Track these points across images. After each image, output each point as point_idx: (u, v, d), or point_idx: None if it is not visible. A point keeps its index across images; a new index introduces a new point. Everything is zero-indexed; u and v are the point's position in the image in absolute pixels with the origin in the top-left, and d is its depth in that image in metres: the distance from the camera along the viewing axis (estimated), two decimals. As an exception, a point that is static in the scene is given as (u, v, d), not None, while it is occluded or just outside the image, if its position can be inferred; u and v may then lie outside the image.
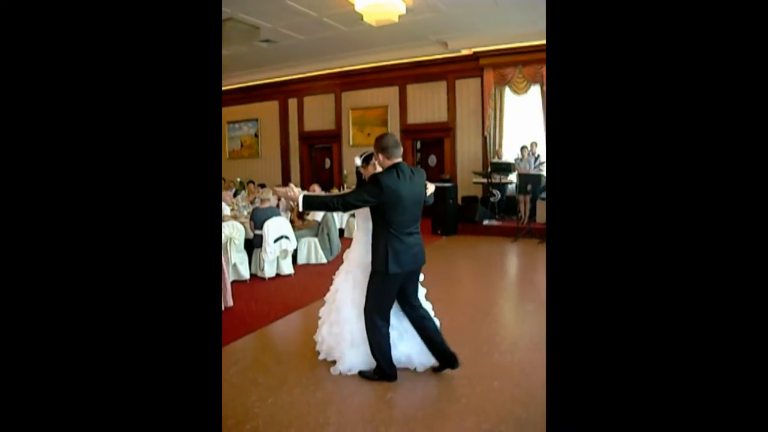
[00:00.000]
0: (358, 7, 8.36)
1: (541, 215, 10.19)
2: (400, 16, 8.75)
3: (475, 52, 11.45)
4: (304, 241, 7.70)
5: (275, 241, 6.70)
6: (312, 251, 7.72)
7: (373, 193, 3.24)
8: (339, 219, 10.00)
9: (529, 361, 3.91)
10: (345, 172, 13.13)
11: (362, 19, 8.82)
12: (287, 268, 6.99)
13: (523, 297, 6.04)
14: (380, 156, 3.35)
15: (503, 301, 5.76)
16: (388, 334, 3.52)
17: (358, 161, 3.74)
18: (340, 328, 3.72)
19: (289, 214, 8.26)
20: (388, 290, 3.45)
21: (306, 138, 14.52)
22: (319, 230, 7.85)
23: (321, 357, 3.89)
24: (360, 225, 3.73)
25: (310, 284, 6.47)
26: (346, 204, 3.35)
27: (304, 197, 3.37)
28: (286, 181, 14.49)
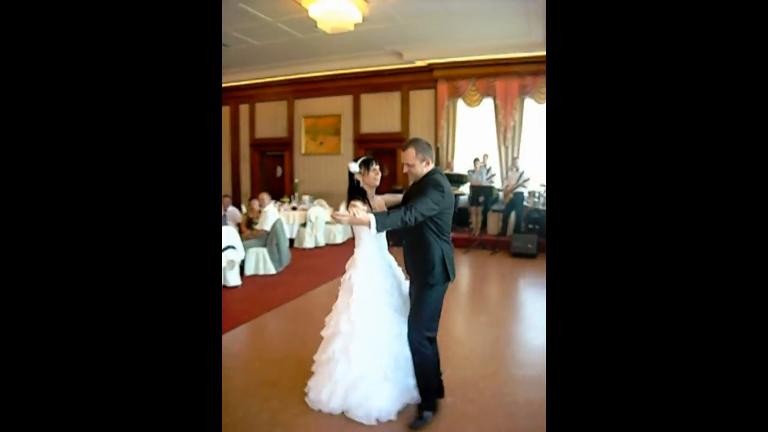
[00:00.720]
0: (313, 13, 8.24)
1: (492, 227, 10.29)
2: (355, 25, 8.67)
3: (429, 64, 11.50)
4: (252, 251, 7.48)
5: (221, 251, 6.47)
6: (260, 262, 7.50)
7: (437, 200, 2.95)
8: (289, 229, 9.80)
9: (482, 376, 3.84)
10: (296, 180, 12.92)
11: (317, 26, 8.69)
12: (234, 280, 6.76)
13: (476, 309, 6.00)
14: (422, 159, 3.08)
15: (455, 313, 5.69)
16: (437, 354, 3.24)
17: (354, 167, 3.29)
18: (369, 363, 3.15)
19: (237, 222, 8.03)
20: (441, 304, 3.14)
21: (257, 145, 14.28)
22: (268, 240, 7.64)
23: (329, 409, 3.20)
24: (364, 242, 3.28)
25: (259, 296, 6.27)
26: (418, 217, 2.89)
27: (377, 219, 2.88)
28: (235, 189, 14.17)
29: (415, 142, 3.10)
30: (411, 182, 3.19)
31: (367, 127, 12.67)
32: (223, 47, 10.87)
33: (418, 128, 12.05)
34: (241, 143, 14.53)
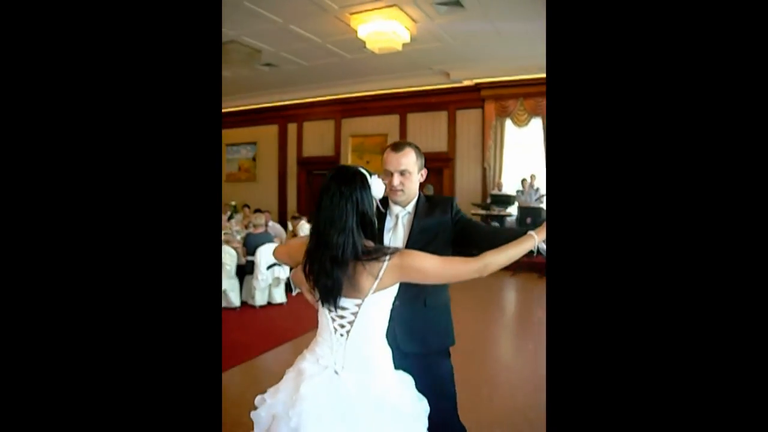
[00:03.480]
0: (362, 34, 8.32)
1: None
2: (403, 45, 8.72)
3: (476, 83, 11.41)
4: (299, 268, 7.45)
5: (268, 268, 6.48)
6: (306, 279, 7.46)
7: None
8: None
9: (532, 406, 3.68)
10: None
11: (365, 46, 8.77)
12: (279, 297, 6.77)
13: (524, 335, 5.82)
14: (420, 169, 2.26)
15: (503, 339, 5.54)
16: None
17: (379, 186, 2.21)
18: None
19: (284, 240, 8.06)
20: None
21: (304, 163, 14.38)
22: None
23: None
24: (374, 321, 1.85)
25: (303, 314, 6.24)
26: None
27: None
28: (282, 206, 14.32)
29: (411, 144, 2.26)
30: (396, 198, 2.20)
31: None
32: (272, 67, 11.16)
33: (465, 148, 11.94)
34: (289, 161, 14.67)
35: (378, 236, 2.11)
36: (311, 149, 14.24)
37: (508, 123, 11.47)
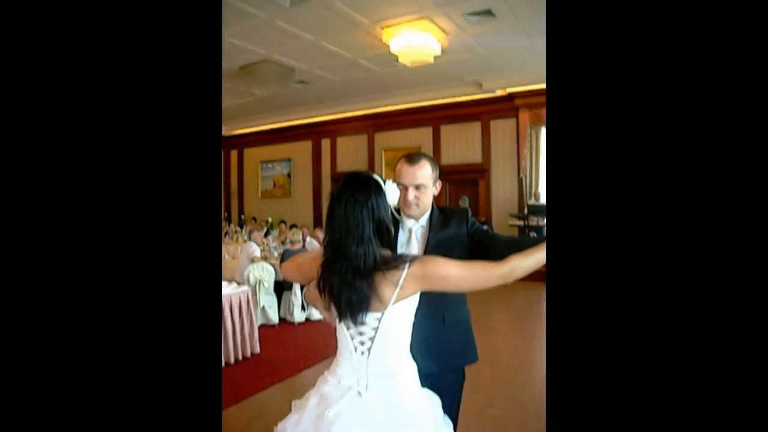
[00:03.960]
0: (394, 48, 8.33)
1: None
2: (435, 57, 8.68)
3: (509, 93, 11.29)
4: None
5: (305, 284, 6.46)
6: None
7: None
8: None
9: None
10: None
11: (397, 60, 8.76)
12: (318, 313, 6.75)
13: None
14: (435, 181, 2.15)
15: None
16: None
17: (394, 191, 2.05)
18: None
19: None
20: None
21: (338, 179, 14.18)
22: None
23: None
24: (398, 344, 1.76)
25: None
26: None
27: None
28: (317, 222, 14.39)
29: (426, 155, 2.14)
30: (410, 212, 2.09)
31: (447, 158, 12.52)
32: (304, 84, 11.21)
33: (500, 158, 11.81)
34: (323, 176, 14.77)
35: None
36: (345, 164, 14.29)
37: (544, 131, 11.30)
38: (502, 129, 11.80)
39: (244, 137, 16.23)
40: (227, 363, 5.15)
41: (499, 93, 11.39)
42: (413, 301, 1.67)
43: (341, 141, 14.36)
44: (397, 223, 2.09)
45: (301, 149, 15.10)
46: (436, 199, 2.17)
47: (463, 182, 12.36)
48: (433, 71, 10.13)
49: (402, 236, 2.16)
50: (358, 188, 1.61)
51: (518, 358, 4.85)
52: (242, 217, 15.15)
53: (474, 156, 12.19)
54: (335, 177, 14.40)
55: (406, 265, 1.59)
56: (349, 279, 1.58)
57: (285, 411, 1.72)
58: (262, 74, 10.03)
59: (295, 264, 1.94)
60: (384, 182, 1.70)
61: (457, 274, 1.62)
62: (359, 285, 1.58)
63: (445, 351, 2.09)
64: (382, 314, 1.62)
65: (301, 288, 6.34)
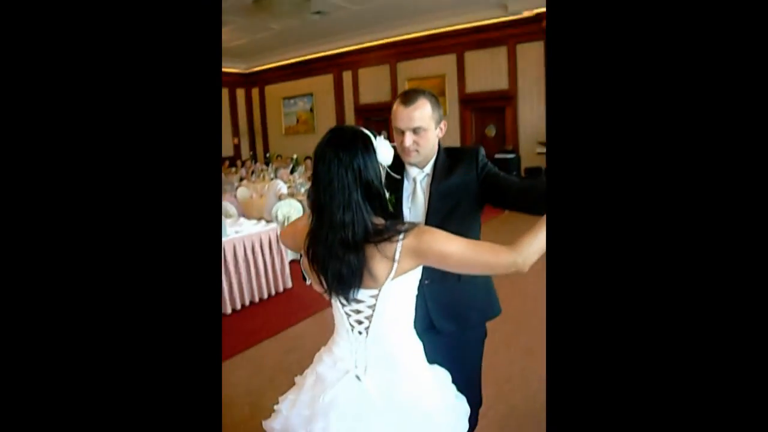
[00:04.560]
0: (413, -30, 7.96)
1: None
2: (457, -22, 8.29)
3: (537, 14, 10.74)
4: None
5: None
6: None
7: None
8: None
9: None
10: (394, 144, 12.70)
11: None
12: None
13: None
14: (438, 122, 1.88)
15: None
16: None
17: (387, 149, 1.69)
18: None
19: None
20: None
21: (362, 111, 14.23)
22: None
23: None
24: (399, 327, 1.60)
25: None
26: None
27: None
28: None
29: (425, 93, 1.85)
30: (410, 160, 1.86)
31: (473, 86, 12.14)
32: (321, 15, 10.85)
33: (527, 84, 11.41)
34: (346, 110, 14.59)
35: (396, 207, 1.85)
36: (368, 96, 14.07)
37: (573, 53, 10.82)
38: (529, 53, 11.31)
39: (264, 74, 16.04)
40: (261, 299, 5.26)
41: (526, 14, 10.85)
42: (414, 275, 1.49)
43: (363, 72, 14.05)
44: (398, 182, 1.88)
45: (323, 83, 14.85)
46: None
47: (489, 110, 12.06)
48: (455, -6, 9.64)
49: (407, 188, 1.94)
50: (342, 146, 1.42)
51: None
52: (267, 155, 15.12)
53: (500, 82, 11.79)
54: (358, 110, 14.24)
55: (401, 236, 1.40)
56: (336, 251, 1.41)
57: (318, 344, 1.69)
58: (277, 7, 9.77)
59: (292, 228, 1.72)
60: (375, 137, 1.50)
61: (458, 253, 1.40)
62: (348, 258, 1.40)
63: (462, 309, 1.94)
64: (379, 291, 1.45)
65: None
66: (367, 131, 1.49)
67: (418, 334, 1.59)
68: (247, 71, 16.05)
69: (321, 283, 1.48)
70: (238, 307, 5.06)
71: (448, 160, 1.92)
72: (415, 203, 1.92)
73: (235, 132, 16.54)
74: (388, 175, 1.54)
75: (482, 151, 1.95)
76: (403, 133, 1.80)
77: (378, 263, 1.41)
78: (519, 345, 3.83)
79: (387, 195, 1.52)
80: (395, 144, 1.78)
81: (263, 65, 15.62)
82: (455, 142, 12.11)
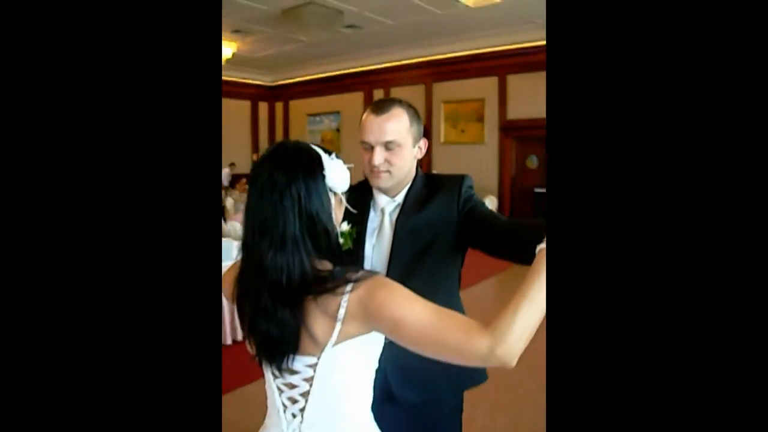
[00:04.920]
0: (456, -15, 7.67)
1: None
2: (502, -4, 8.07)
3: (588, 38, 10.06)
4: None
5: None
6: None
7: None
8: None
9: None
10: (434, 171, 12.11)
11: (458, 0, 8.42)
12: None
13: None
14: (416, 138, 1.63)
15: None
16: None
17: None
18: None
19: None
20: None
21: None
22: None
23: None
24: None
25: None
26: None
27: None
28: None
29: (402, 102, 1.61)
30: (380, 184, 1.61)
31: (515, 112, 11.66)
32: (355, 29, 10.72)
33: (575, 113, 10.66)
34: (376, 131, 14.13)
35: (357, 244, 1.60)
36: (399, 117, 13.56)
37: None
38: (578, 79, 10.63)
39: (289, 87, 15.91)
40: None
41: (576, 37, 10.19)
42: (371, 340, 1.18)
43: (396, 92, 13.56)
44: (361, 214, 1.60)
45: (352, 101, 14.53)
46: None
47: (531, 139, 11.57)
48: (499, 12, 9.56)
49: (372, 220, 1.66)
50: (279, 166, 1.18)
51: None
52: None
53: (545, 109, 11.02)
54: None
55: (347, 288, 1.11)
56: (265, 303, 1.15)
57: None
58: (306, 18, 9.63)
59: (233, 271, 1.34)
60: (330, 156, 1.24)
61: (418, 325, 1.06)
62: (279, 314, 1.14)
63: (430, 374, 1.54)
64: (318, 360, 1.17)
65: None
66: (317, 148, 1.24)
67: (373, 405, 1.29)
68: (272, 84, 16.01)
69: (249, 346, 1.25)
70: (239, 337, 4.75)
71: (425, 189, 1.65)
72: (380, 241, 1.64)
73: (255, 148, 16.51)
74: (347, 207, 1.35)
75: (469, 180, 1.65)
76: (372, 148, 1.57)
77: (317, 321, 1.13)
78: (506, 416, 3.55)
79: (346, 228, 1.46)
80: (364, 163, 1.61)
81: (289, 79, 15.58)
82: (492, 172, 11.91)
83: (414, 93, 13.06)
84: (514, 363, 0.99)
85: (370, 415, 1.27)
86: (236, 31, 10.72)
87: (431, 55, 12.36)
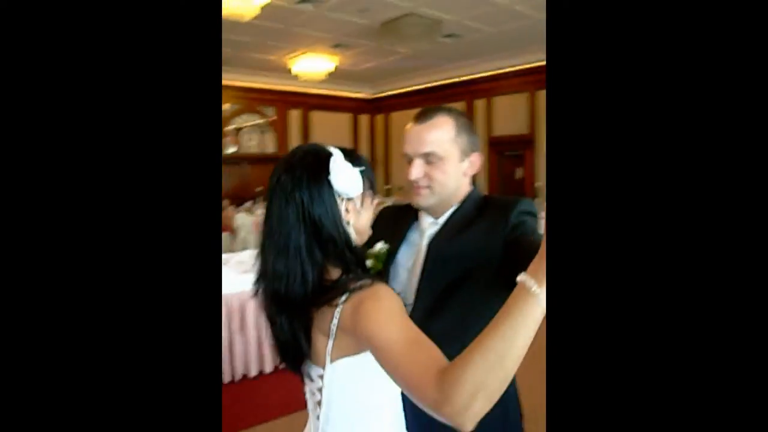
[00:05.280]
0: (560, -13, 6.95)
1: None
2: None
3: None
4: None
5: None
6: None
7: None
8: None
9: None
10: (538, 183, 11.49)
11: None
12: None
13: None
14: (465, 152, 1.50)
15: None
16: None
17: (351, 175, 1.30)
18: None
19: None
20: None
21: (495, 144, 13.14)
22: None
23: None
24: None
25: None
26: None
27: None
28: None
29: (451, 110, 1.48)
30: (420, 202, 1.43)
31: None
32: (453, 38, 10.46)
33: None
34: (479, 142, 13.57)
35: (387, 265, 1.46)
36: (503, 127, 12.96)
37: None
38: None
39: (389, 99, 15.77)
40: (271, 370, 4.86)
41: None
42: (372, 366, 0.99)
43: (498, 101, 13.04)
44: (399, 233, 1.50)
45: None
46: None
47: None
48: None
49: (412, 243, 1.47)
50: (287, 170, 1.12)
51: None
52: (388, 187, 14.84)
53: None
54: (492, 142, 13.19)
55: (342, 299, 1.04)
56: (272, 310, 1.14)
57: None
58: (405, 29, 9.45)
59: None
60: (352, 158, 1.18)
61: (388, 349, 0.92)
62: (281, 322, 1.12)
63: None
64: (323, 372, 1.10)
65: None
66: (331, 149, 1.16)
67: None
68: (372, 96, 16.00)
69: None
70: (239, 377, 4.49)
71: (475, 211, 1.44)
72: (414, 269, 1.43)
73: (356, 161, 16.33)
74: (383, 217, 1.35)
75: (526, 205, 1.41)
76: (411, 160, 1.41)
77: (316, 333, 1.10)
78: None
79: (377, 248, 1.40)
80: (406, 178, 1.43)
81: (389, 91, 15.47)
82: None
83: (517, 102, 12.57)
84: (468, 426, 0.81)
85: (398, 424, 1.20)
86: (337, 46, 10.79)
87: (534, 62, 11.70)
